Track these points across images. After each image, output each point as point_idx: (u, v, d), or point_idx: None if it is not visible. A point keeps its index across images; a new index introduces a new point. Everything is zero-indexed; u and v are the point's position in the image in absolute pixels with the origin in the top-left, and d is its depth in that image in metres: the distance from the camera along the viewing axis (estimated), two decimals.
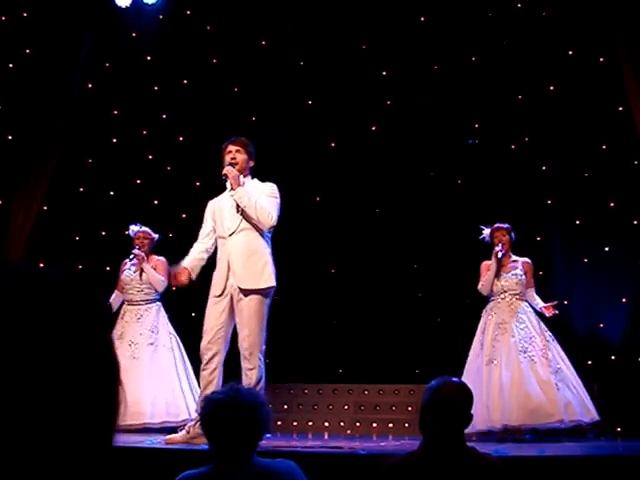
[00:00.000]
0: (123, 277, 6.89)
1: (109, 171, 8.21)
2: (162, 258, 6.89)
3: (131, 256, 6.79)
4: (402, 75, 8.25)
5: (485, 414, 6.00)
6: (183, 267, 5.32)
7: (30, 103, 7.47)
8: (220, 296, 5.19)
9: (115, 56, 8.19)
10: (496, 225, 6.58)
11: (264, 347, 5.18)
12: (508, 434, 6.05)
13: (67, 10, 7.53)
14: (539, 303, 6.43)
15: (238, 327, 5.17)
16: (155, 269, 6.82)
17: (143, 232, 6.87)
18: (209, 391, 5.03)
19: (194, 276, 5.35)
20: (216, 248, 5.40)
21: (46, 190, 7.62)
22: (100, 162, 8.22)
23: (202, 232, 5.48)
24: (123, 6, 7.89)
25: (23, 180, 7.49)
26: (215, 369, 5.16)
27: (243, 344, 5.12)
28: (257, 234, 5.25)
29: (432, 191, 8.19)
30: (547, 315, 6.36)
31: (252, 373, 5.07)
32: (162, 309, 6.89)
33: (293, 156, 8.39)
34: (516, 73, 7.97)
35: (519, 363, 6.13)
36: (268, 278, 5.20)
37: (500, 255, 6.43)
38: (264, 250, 5.27)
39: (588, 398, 6.18)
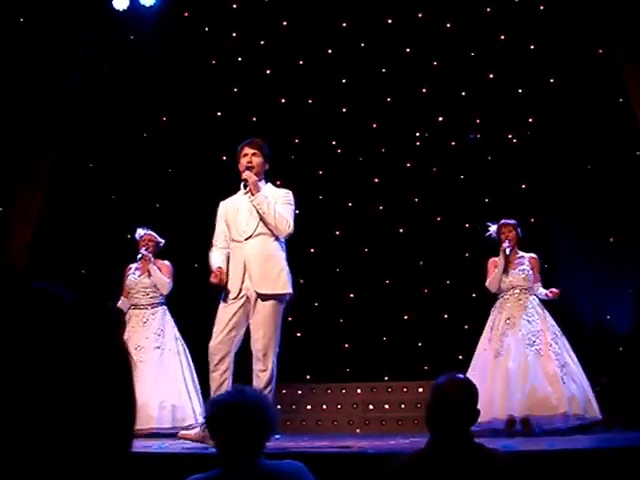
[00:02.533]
0: (128, 281, 6.89)
1: (110, 175, 8.21)
2: (167, 262, 6.90)
3: (139, 256, 6.79)
4: (402, 72, 8.24)
5: (488, 405, 5.98)
6: (219, 267, 5.21)
7: (29, 107, 7.48)
8: (235, 299, 5.16)
9: (114, 59, 8.19)
10: (503, 221, 6.55)
11: (277, 350, 5.14)
12: (514, 427, 6.04)
13: (65, 13, 7.54)
14: (543, 291, 6.42)
15: (252, 328, 5.12)
16: (160, 272, 6.81)
17: (149, 235, 6.87)
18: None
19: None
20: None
21: (47, 194, 7.62)
22: (101, 166, 8.23)
23: (217, 236, 5.37)
24: (121, 9, 7.90)
25: (23, 185, 7.49)
26: (226, 370, 5.10)
27: (257, 345, 5.08)
28: (273, 239, 5.20)
29: (435, 188, 8.18)
30: (550, 296, 6.34)
31: (263, 375, 5.03)
32: (168, 312, 6.88)
33: (295, 155, 8.39)
34: (516, 68, 7.96)
35: (526, 356, 6.12)
36: (284, 284, 5.16)
37: (508, 252, 6.40)
38: (280, 256, 5.22)
39: (592, 396, 6.14)
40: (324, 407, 7.79)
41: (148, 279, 6.80)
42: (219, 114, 8.45)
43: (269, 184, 5.39)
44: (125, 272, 6.96)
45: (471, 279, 6.98)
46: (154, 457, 4.79)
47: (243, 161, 5.26)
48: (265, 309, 5.09)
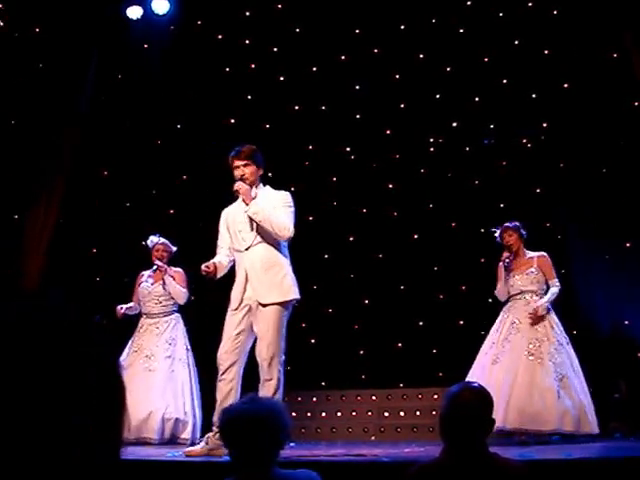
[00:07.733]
0: (140, 290, 6.84)
1: (124, 182, 8.24)
2: (179, 269, 6.84)
3: (154, 267, 6.77)
4: (415, 77, 8.23)
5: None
6: (214, 262, 5.19)
7: (42, 117, 7.52)
8: (237, 309, 5.15)
9: (127, 68, 8.23)
10: (504, 225, 6.45)
11: (284, 358, 5.09)
12: (503, 437, 5.85)
13: (78, 24, 7.58)
14: (542, 299, 6.25)
15: (257, 337, 5.11)
16: (174, 280, 6.77)
17: (163, 244, 6.80)
18: (227, 403, 5.00)
19: (219, 275, 5.22)
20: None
21: (62, 203, 7.66)
22: (115, 174, 8.26)
23: (220, 244, 5.37)
24: (134, 18, 7.94)
25: (38, 194, 7.53)
26: (232, 380, 5.07)
27: (261, 354, 5.04)
28: (274, 246, 5.17)
29: (449, 193, 8.15)
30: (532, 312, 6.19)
31: (270, 385, 4.98)
32: (181, 321, 6.83)
33: (308, 161, 8.39)
34: (530, 72, 7.93)
35: (524, 367, 5.97)
36: (288, 290, 5.12)
37: (507, 263, 6.33)
38: (283, 262, 5.18)
39: (591, 409, 5.94)
40: (339, 414, 7.76)
41: (161, 288, 6.77)
42: (232, 121, 8.46)
43: (267, 187, 5.34)
44: (137, 279, 6.93)
45: (486, 285, 6.92)
46: (168, 465, 4.79)
47: (236, 174, 5.23)
48: (268, 318, 5.05)
